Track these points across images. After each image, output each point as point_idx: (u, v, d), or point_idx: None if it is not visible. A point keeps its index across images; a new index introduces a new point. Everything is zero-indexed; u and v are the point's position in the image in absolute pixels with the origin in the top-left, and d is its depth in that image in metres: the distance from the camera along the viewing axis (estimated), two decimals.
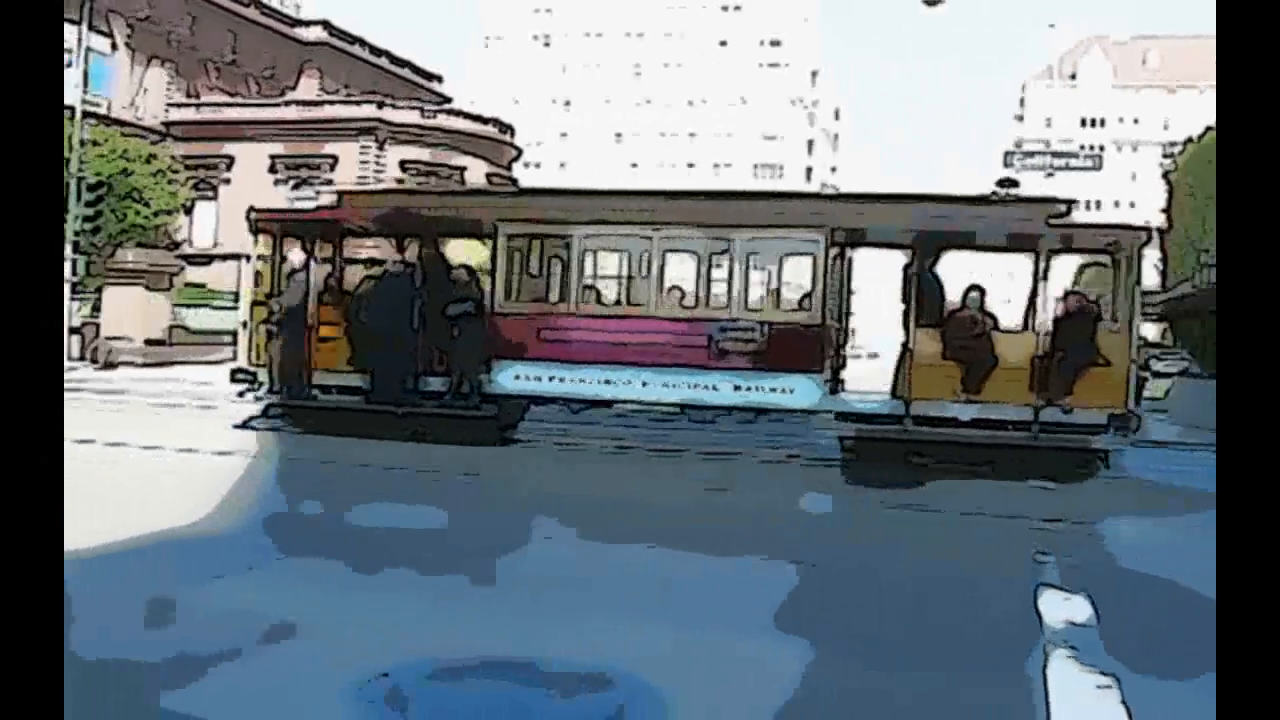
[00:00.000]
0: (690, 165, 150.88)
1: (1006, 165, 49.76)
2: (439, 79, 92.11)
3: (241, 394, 20.52)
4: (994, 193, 19.05)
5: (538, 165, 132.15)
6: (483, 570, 9.40)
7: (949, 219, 18.72)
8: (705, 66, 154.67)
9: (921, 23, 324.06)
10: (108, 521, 10.23)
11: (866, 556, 11.06)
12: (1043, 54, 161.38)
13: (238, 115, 66.96)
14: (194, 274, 56.39)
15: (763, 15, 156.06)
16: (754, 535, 12.02)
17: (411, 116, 67.97)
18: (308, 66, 77.59)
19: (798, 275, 18.75)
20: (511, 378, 18.70)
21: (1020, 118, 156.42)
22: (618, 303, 19.28)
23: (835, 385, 18.55)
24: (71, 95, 47.83)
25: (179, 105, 67.90)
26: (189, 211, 60.51)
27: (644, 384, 18.26)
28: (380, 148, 65.57)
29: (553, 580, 9.09)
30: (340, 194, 21.74)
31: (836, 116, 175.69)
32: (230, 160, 64.73)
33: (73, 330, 42.44)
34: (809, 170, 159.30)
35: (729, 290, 18.31)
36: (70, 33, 52.92)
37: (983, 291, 18.17)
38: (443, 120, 69.80)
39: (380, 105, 67.48)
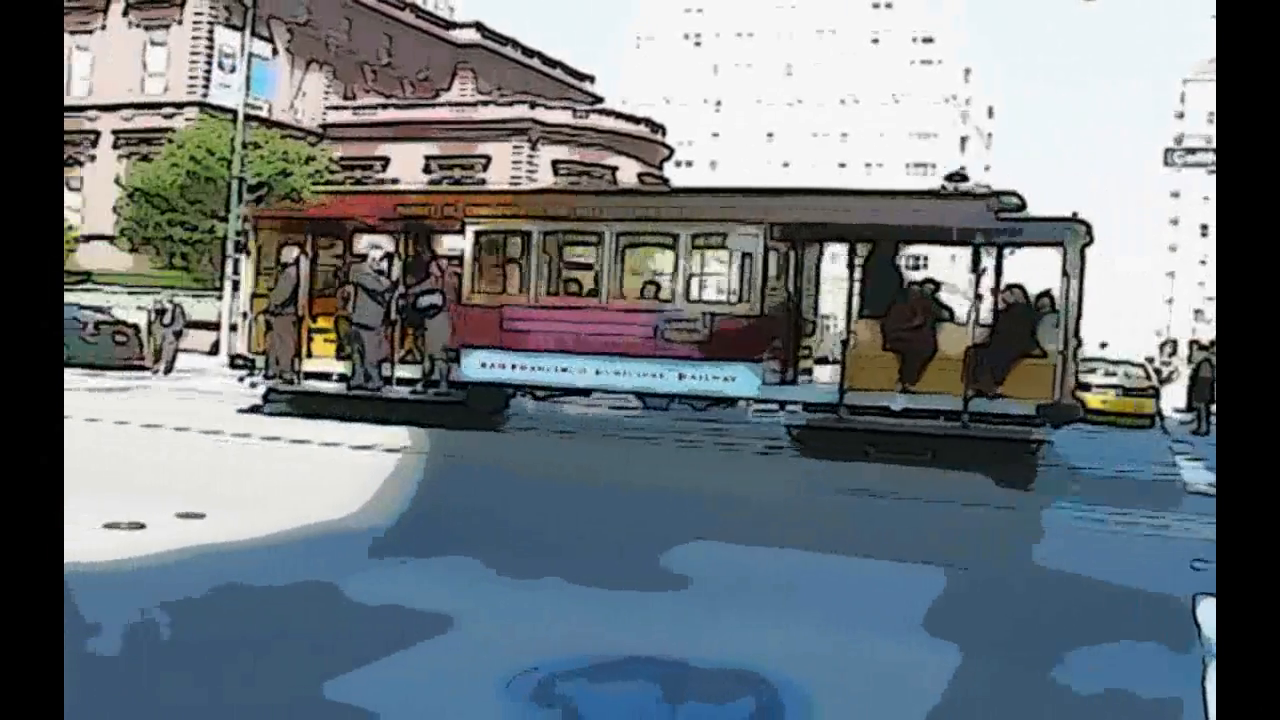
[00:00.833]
0: (842, 165, 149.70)
1: (1167, 164, 48.53)
2: (591, 79, 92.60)
3: (241, 379, 22.11)
4: (943, 187, 19.07)
5: (689, 164, 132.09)
6: (625, 565, 9.36)
7: (892, 214, 19.33)
8: (857, 64, 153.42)
9: (1077, 17, 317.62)
10: (259, 514, 10.41)
11: (1018, 560, 10.84)
12: (1205, 47, 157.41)
13: (393, 117, 67.99)
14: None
15: (914, 12, 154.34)
16: (891, 534, 11.87)
17: (563, 117, 68.38)
18: (461, 68, 78.55)
19: (740, 268, 19.33)
20: (478, 365, 19.84)
21: (1181, 114, 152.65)
22: (573, 295, 20.16)
23: (786, 374, 18.81)
24: (234, 98, 49.03)
25: (336, 107, 69.19)
26: None
27: (597, 372, 19.24)
28: (533, 148, 66.09)
29: (697, 577, 9.05)
30: (330, 194, 23.66)
31: (990, 114, 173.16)
32: (386, 161, 65.74)
33: (232, 328, 43.47)
34: (962, 169, 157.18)
35: (674, 283, 19.17)
36: (233, 38, 54.12)
37: (936, 285, 18.48)
38: (594, 120, 70.12)
39: (532, 106, 67.99)
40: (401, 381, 20.23)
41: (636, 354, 18.94)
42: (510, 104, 69.18)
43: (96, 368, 33.94)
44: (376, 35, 73.28)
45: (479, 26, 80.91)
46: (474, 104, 70.97)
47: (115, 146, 64.46)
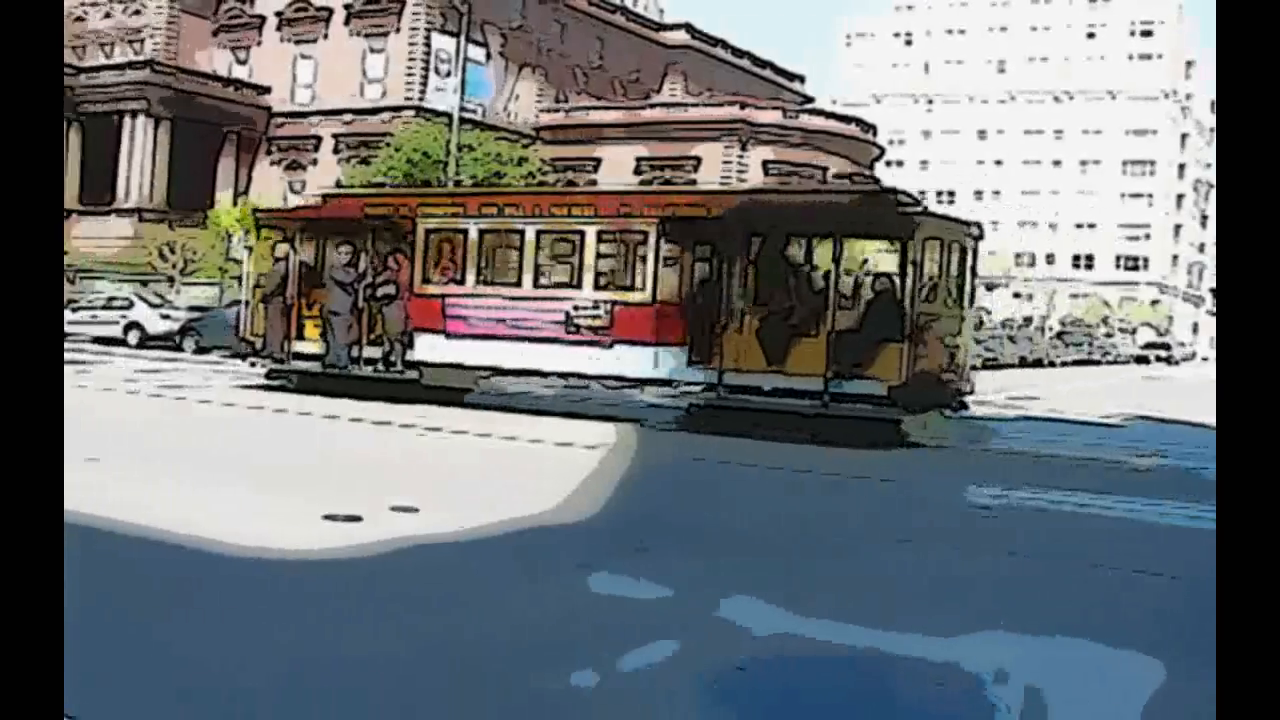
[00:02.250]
0: (1056, 163, 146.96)
1: None
2: (800, 79, 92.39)
3: (242, 358, 24.98)
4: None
5: (899, 164, 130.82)
6: (825, 566, 9.20)
7: (779, 209, 21.28)
8: (1072, 60, 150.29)
9: None
10: (461, 509, 10.47)
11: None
12: None
13: (604, 118, 68.71)
14: None
15: (1133, 4, 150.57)
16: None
17: (773, 117, 68.31)
18: (671, 70, 79.06)
19: (637, 260, 20.74)
20: (427, 348, 21.97)
21: None
22: (500, 285, 21.80)
23: (691, 358, 19.93)
24: (449, 102, 49.99)
25: (548, 109, 70.20)
26: None
27: (522, 355, 21.15)
28: (743, 148, 66.13)
29: (895, 578, 8.84)
30: (324, 196, 26.62)
31: (1212, 109, 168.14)
32: (597, 162, 66.47)
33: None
34: (1181, 167, 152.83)
35: (581, 274, 20.92)
36: (449, 44, 55.33)
37: (826, 273, 19.26)
38: (804, 120, 69.92)
39: (742, 106, 68.06)
40: (368, 361, 22.53)
41: (552, 339, 20.79)
42: (720, 105, 69.38)
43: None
44: (588, 38, 74.19)
45: (689, 28, 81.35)
46: (684, 105, 71.36)
47: (336, 150, 66.44)
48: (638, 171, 65.47)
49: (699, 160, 65.51)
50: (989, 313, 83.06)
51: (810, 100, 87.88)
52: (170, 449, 14.59)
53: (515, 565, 8.50)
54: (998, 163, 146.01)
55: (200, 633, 6.34)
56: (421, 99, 61.89)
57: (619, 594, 7.79)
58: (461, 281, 21.85)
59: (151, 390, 22.99)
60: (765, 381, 19.21)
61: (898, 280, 18.80)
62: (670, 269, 20.48)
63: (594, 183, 63.62)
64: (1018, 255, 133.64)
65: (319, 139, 67.60)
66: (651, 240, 20.28)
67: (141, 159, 64.07)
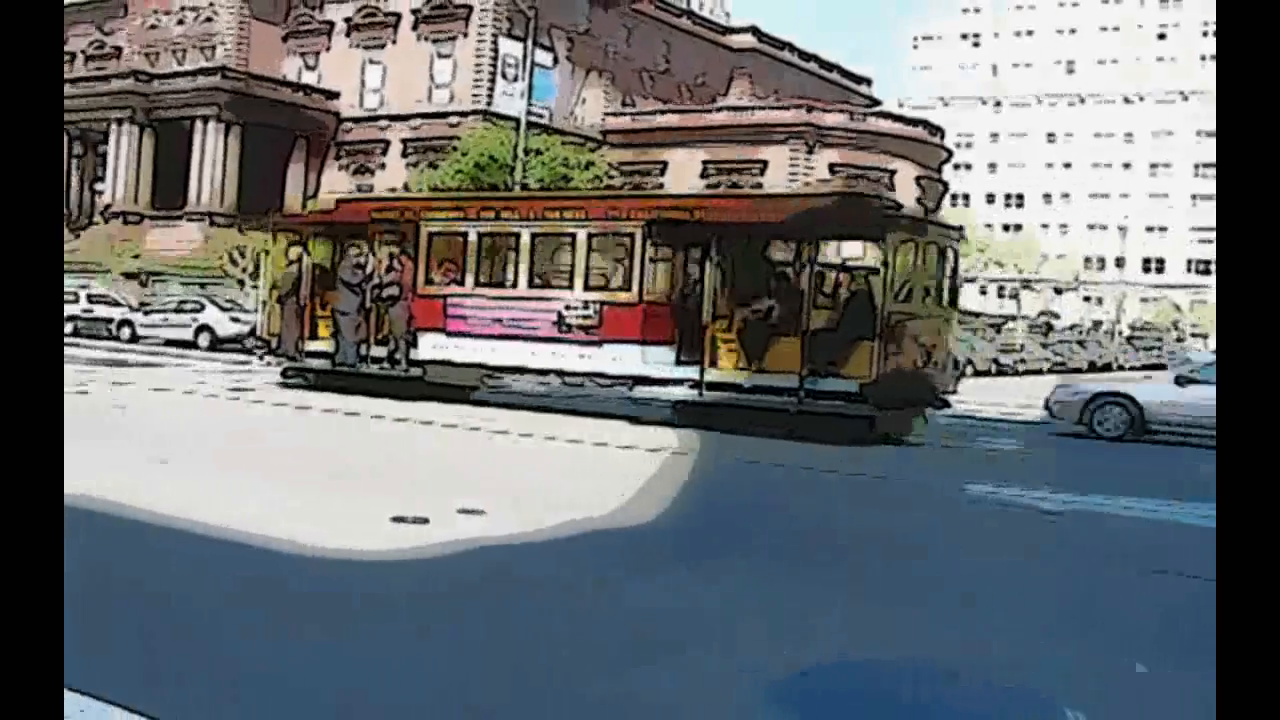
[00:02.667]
0: (1126, 166, 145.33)
1: None
2: (867, 81, 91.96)
3: (260, 356, 26.58)
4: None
5: (968, 167, 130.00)
6: (890, 571, 9.17)
7: (757, 213, 21.94)
8: (1143, 61, 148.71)
9: None
10: (525, 511, 10.49)
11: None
12: None
13: (671, 122, 68.70)
14: None
15: (1204, 4, 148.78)
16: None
17: (840, 120, 68.03)
18: (738, 73, 78.99)
19: (625, 262, 21.49)
20: (430, 347, 22.74)
21: None
22: (497, 286, 22.56)
23: (679, 356, 20.40)
24: (516, 106, 50.19)
25: (615, 113, 70.28)
26: None
27: (517, 353, 21.86)
28: (809, 151, 65.90)
29: (956, 585, 8.81)
30: (337, 201, 27.92)
31: None
32: (664, 165, 66.45)
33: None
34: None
35: (573, 275, 21.61)
36: (516, 48, 55.54)
37: (806, 273, 19.86)
38: (871, 123, 69.59)
39: (809, 109, 67.80)
40: (374, 360, 23.35)
41: (546, 337, 21.43)
42: (787, 108, 69.16)
43: None
44: (654, 42, 74.25)
45: (755, 31, 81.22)
46: (751, 108, 71.22)
47: (404, 154, 66.85)
48: (704, 175, 65.42)
49: (765, 163, 65.38)
50: (1058, 317, 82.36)
51: (877, 103, 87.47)
52: (232, 450, 14.76)
53: (581, 568, 8.54)
54: (1066, 165, 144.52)
55: (261, 637, 6.43)
56: (489, 103, 62.13)
57: (681, 597, 7.82)
58: (462, 282, 22.60)
59: (209, 391, 23.38)
60: (746, 380, 19.77)
61: (874, 281, 19.23)
62: (657, 270, 21.20)
63: (661, 186, 63.65)
64: (1087, 259, 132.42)
65: (387, 143, 68.04)
66: (638, 243, 20.86)
67: (213, 164, 64.75)
